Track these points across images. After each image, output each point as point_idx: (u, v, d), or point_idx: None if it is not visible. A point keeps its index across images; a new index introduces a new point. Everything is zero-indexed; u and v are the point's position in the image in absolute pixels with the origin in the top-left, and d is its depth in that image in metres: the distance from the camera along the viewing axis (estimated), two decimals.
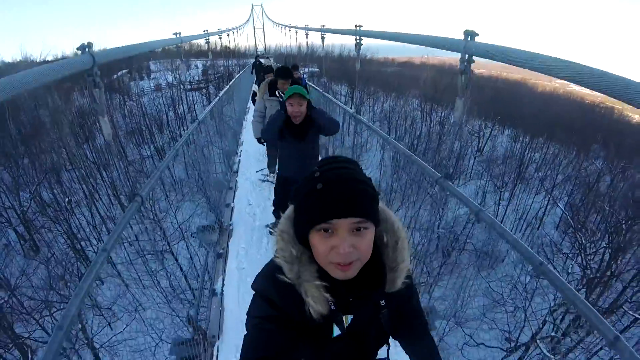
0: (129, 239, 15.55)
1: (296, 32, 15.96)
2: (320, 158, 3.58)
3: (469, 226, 19.58)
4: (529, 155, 29.65)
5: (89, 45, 2.01)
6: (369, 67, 49.47)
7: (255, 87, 7.41)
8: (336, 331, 1.03)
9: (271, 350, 0.92)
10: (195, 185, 5.63)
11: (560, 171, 27.03)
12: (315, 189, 0.86)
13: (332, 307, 0.96)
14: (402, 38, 3.33)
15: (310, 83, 7.99)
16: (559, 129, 32.66)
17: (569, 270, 16.74)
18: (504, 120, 35.86)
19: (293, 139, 3.71)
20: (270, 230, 4.44)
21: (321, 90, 7.52)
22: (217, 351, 3.10)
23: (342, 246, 0.85)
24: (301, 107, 3.50)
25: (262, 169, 6.75)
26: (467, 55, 2.39)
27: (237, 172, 6.97)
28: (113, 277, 15.56)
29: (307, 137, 3.73)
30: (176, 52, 4.92)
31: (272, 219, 4.80)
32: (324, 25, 6.40)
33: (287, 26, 20.06)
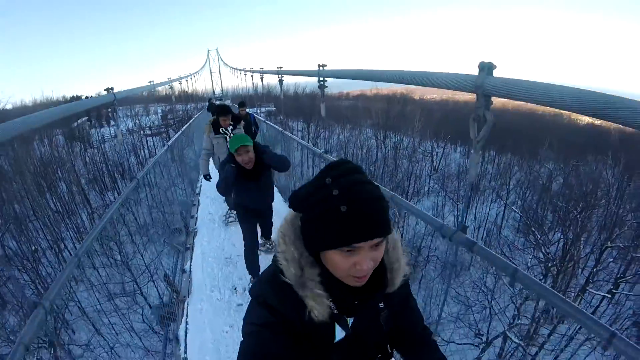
0: (94, 285, 15.63)
1: (252, 75, 15.90)
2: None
3: (430, 239, 20.50)
4: (481, 167, 31.18)
5: (112, 87, 3.43)
6: (335, 103, 51.30)
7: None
8: (338, 336, 1.02)
9: (268, 358, 0.91)
10: (161, 227, 5.84)
11: (513, 178, 28.72)
12: (338, 210, 0.83)
13: (335, 311, 0.97)
14: (377, 76, 2.91)
15: (267, 122, 8.47)
16: (510, 140, 34.59)
17: (528, 265, 17.88)
18: (455, 138, 37.87)
19: (248, 181, 3.71)
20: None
21: (280, 129, 7.60)
22: (187, 307, 4.04)
23: (366, 263, 0.87)
24: (249, 153, 3.51)
25: (225, 214, 6.50)
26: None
27: (199, 194, 7.90)
28: (85, 324, 15.49)
29: (262, 178, 3.78)
30: (142, 99, 5.74)
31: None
32: (280, 67, 6.70)
33: (242, 70, 20.27)
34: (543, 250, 18.20)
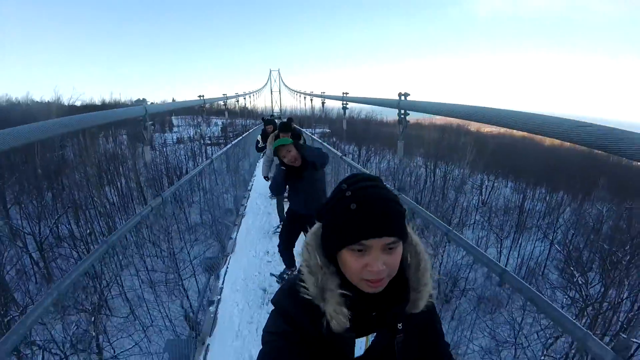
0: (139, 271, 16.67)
1: (311, 99, 16.70)
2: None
3: (468, 272, 20.30)
4: (530, 204, 30.72)
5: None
6: (379, 128, 51.77)
7: (258, 137, 8.33)
8: (358, 350, 1.00)
9: None
10: (209, 229, 6.20)
11: (561, 217, 27.79)
12: (348, 208, 0.87)
13: (348, 325, 0.93)
14: (468, 112, 2.73)
15: (324, 143, 8.72)
16: (561, 177, 33.84)
17: (562, 304, 17.37)
18: (506, 173, 37.14)
19: (297, 180, 3.95)
20: (277, 280, 4.89)
21: (340, 154, 7.08)
22: (207, 350, 3.63)
23: (376, 265, 0.87)
24: (290, 152, 3.77)
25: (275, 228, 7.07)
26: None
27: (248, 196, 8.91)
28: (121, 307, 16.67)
29: (305, 175, 3.93)
30: (197, 109, 6.25)
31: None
32: (346, 93, 6.70)
33: (301, 93, 20.90)
34: (581, 292, 17.56)
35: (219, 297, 4.52)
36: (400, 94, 3.57)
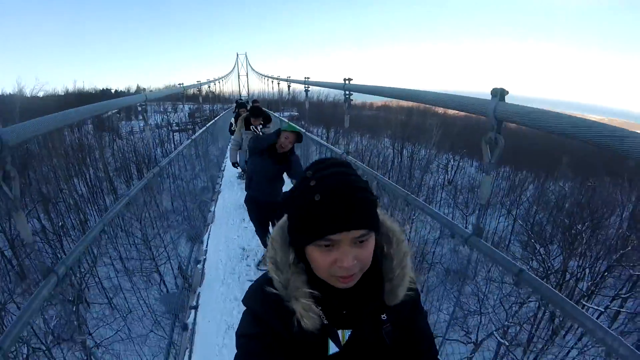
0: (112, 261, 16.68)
1: (278, 83, 16.89)
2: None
3: (435, 246, 21.21)
4: (495, 183, 31.68)
5: (144, 89, 3.95)
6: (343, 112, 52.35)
7: (232, 120, 8.58)
8: (332, 348, 0.95)
9: None
10: (181, 215, 6.27)
11: (524, 194, 29.16)
12: (312, 200, 0.80)
13: (325, 321, 0.90)
14: (396, 94, 3.06)
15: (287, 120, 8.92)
16: (527, 157, 35.01)
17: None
18: (471, 153, 38.31)
19: (269, 158, 4.08)
20: (259, 267, 4.99)
21: (303, 130, 7.25)
22: (198, 298, 4.07)
23: (346, 260, 0.81)
24: (288, 139, 3.96)
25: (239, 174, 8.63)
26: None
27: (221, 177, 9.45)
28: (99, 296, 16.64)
29: (280, 164, 4.11)
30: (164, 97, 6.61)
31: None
32: (307, 78, 6.87)
33: (269, 77, 20.93)
34: (543, 263, 18.65)
35: (204, 257, 5.24)
36: (345, 79, 4.19)
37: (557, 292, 1.70)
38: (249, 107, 7.69)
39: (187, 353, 3.59)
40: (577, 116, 1.44)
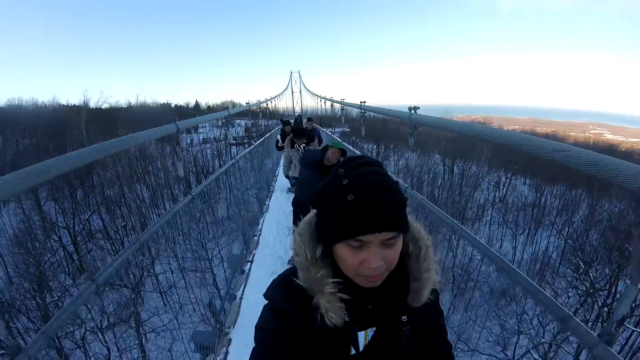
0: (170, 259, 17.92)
1: (332, 104, 17.53)
2: None
3: (480, 265, 20.83)
4: (547, 201, 31.02)
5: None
6: (397, 127, 52.52)
7: (278, 137, 9.23)
8: (355, 348, 0.95)
9: None
10: (235, 222, 6.99)
11: (578, 214, 28.07)
12: (345, 199, 0.80)
13: (346, 318, 0.90)
14: (466, 130, 2.68)
15: (339, 139, 9.06)
16: (581, 174, 33.45)
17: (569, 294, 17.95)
18: (524, 170, 37.33)
19: (316, 169, 4.62)
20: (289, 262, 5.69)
21: (352, 148, 7.92)
22: (230, 342, 3.98)
23: (374, 261, 0.81)
24: (334, 154, 4.54)
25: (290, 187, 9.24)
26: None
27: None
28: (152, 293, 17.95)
29: (324, 176, 4.75)
30: (221, 110, 6.99)
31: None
32: (364, 102, 7.10)
33: (322, 97, 21.62)
34: (591, 282, 18.09)
35: (259, 233, 6.82)
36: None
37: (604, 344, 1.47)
38: (293, 126, 8.65)
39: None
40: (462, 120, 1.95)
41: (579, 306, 16.99)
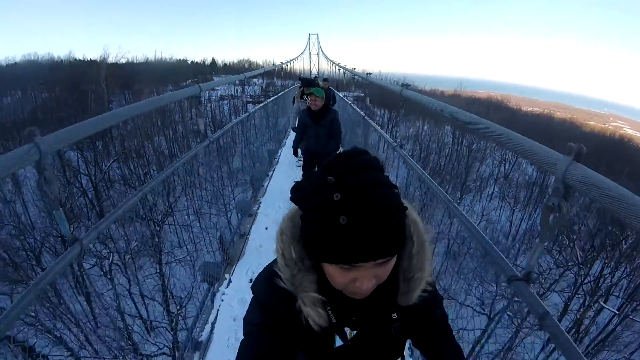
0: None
1: (344, 72, 18.07)
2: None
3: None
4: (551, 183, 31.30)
5: (198, 80, 5.95)
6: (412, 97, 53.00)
7: (294, 94, 10.01)
8: (339, 341, 0.95)
9: None
10: (248, 174, 7.60)
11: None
12: (337, 222, 0.69)
13: (333, 320, 0.90)
14: (450, 115, 2.53)
15: (353, 105, 9.74)
16: (590, 162, 33.89)
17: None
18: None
19: (311, 122, 5.14)
20: None
21: (363, 114, 8.01)
22: (233, 272, 4.57)
23: (366, 282, 0.77)
24: (315, 101, 4.95)
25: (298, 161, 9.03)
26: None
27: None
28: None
29: (320, 122, 5.10)
30: (240, 69, 7.90)
31: None
32: (369, 74, 7.94)
33: (336, 64, 22.72)
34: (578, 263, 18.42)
35: (269, 180, 7.97)
36: (402, 84, 4.28)
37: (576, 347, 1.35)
38: (302, 80, 9.11)
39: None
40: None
41: (557, 277, 17.81)
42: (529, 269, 1.68)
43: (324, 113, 5.09)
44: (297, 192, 0.80)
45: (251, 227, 5.75)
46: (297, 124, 5.70)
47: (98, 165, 24.38)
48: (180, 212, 18.36)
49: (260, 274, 0.99)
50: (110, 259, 14.68)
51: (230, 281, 4.35)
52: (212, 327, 3.62)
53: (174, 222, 18.25)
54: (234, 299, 4.00)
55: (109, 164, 25.24)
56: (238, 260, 4.79)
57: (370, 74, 8.05)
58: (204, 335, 3.54)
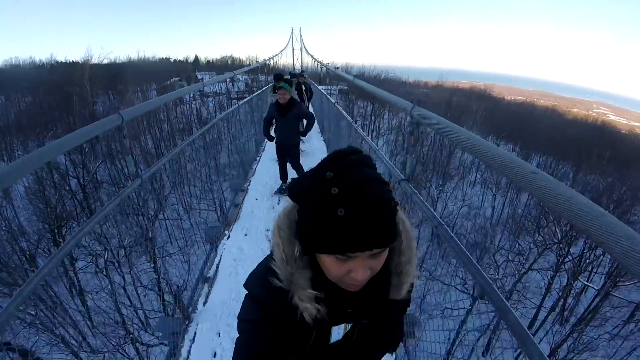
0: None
1: (326, 67, 18.08)
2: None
3: (461, 220, 22.86)
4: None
5: (202, 78, 6.37)
6: (399, 89, 53.33)
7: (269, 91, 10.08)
8: (335, 336, 0.99)
9: (261, 356, 0.89)
10: (236, 169, 7.82)
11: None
12: (334, 213, 0.73)
13: (327, 318, 0.90)
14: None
15: (337, 105, 9.25)
16: (572, 148, 35.46)
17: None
18: (515, 138, 39.11)
19: (278, 115, 5.62)
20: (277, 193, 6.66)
21: (351, 120, 7.26)
22: (229, 237, 5.43)
23: (361, 273, 0.80)
24: (284, 95, 5.43)
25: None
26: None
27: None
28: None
29: (287, 115, 5.55)
30: (223, 66, 8.02)
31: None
32: (337, 67, 8.13)
33: (317, 60, 23.21)
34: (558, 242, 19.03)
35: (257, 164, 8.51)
36: (354, 76, 4.21)
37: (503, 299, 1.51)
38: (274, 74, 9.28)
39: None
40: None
41: (537, 257, 18.46)
42: (407, 175, 2.93)
43: (290, 106, 5.59)
44: (295, 188, 0.82)
45: (244, 199, 6.75)
46: (265, 115, 6.19)
47: (86, 168, 24.49)
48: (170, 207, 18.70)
49: (253, 271, 1.01)
50: (106, 257, 15.02)
51: (229, 237, 5.31)
52: (217, 267, 4.55)
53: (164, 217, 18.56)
54: (233, 247, 5.01)
55: (97, 165, 25.54)
56: (234, 222, 5.74)
57: (337, 67, 8.37)
58: (211, 272, 4.47)
